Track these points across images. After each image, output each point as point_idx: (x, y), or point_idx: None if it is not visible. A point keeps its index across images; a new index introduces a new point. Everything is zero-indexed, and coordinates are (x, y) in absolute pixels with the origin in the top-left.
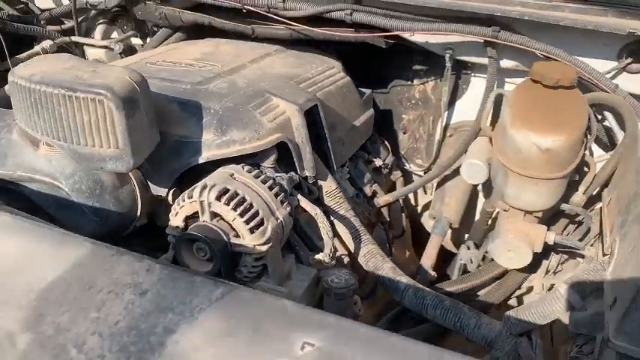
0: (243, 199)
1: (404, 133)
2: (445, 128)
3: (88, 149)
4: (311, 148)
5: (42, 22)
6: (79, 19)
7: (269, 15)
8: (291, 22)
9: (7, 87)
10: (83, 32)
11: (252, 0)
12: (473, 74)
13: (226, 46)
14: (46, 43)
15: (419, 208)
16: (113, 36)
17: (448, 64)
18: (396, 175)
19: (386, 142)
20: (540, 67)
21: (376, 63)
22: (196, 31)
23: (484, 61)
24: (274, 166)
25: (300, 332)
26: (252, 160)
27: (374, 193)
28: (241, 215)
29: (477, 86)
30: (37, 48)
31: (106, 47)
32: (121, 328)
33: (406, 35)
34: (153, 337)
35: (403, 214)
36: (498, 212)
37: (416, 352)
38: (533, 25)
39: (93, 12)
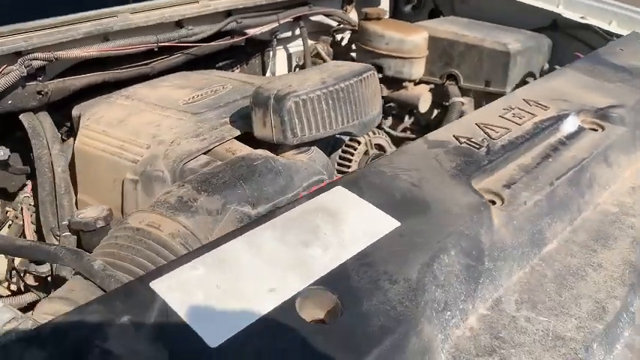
0: None
1: None
2: None
3: (370, 116)
4: None
5: None
6: None
7: (179, 45)
8: (196, 44)
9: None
10: None
11: (166, 37)
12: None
13: (181, 79)
14: None
15: None
16: None
17: (274, 43)
18: None
19: None
20: (371, 10)
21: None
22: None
23: (287, 34)
24: None
25: None
26: None
27: None
28: None
29: (276, 55)
30: None
31: None
32: None
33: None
34: None
35: None
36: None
37: None
38: None
39: None
